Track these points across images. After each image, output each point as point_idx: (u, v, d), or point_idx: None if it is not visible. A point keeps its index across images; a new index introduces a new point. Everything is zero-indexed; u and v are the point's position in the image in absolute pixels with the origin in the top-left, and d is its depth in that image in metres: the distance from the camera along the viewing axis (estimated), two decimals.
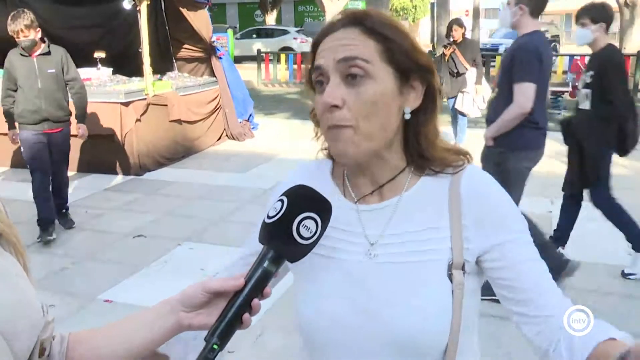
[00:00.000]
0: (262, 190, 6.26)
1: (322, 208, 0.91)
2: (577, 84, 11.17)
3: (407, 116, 1.01)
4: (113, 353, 0.94)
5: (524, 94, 3.38)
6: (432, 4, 15.14)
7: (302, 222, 0.88)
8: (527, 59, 3.40)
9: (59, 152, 5.06)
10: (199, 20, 8.17)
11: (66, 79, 5.01)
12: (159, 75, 8.18)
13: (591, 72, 3.95)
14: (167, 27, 8.42)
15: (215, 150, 8.35)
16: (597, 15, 3.87)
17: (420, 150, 1.04)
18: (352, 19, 1.01)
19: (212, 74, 8.77)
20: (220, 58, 8.65)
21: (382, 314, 1.00)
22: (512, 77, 3.46)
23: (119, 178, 6.98)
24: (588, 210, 5.62)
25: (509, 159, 3.58)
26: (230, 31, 13.11)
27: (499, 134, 3.57)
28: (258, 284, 0.88)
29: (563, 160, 7.46)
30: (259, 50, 16.74)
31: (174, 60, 9.02)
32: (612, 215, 4.23)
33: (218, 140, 8.71)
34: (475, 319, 1.07)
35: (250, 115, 9.50)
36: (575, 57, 12.82)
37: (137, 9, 7.03)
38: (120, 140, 6.93)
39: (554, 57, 12.44)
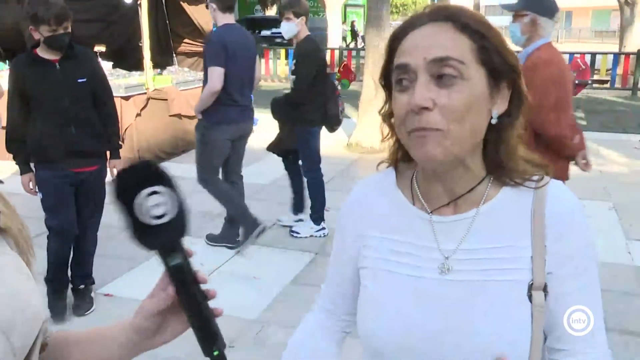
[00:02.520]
0: (260, 185, 6.26)
1: (164, 177, 0.78)
2: (576, 81, 11.19)
3: (494, 120, 0.95)
4: (96, 354, 0.94)
5: (212, 76, 4.06)
6: (433, 0, 15.10)
7: (148, 200, 0.76)
8: (213, 48, 4.10)
9: (90, 200, 3.57)
10: (200, 14, 8.17)
11: (98, 94, 3.48)
12: (159, 70, 8.18)
13: (294, 61, 4.61)
14: (167, 22, 8.40)
15: None
16: (299, 10, 4.46)
17: (500, 158, 0.97)
18: (444, 14, 0.93)
19: None
20: None
21: (455, 335, 0.95)
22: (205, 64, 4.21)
23: None
24: (586, 208, 5.65)
25: (210, 130, 4.25)
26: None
27: (202, 110, 4.23)
28: (183, 281, 0.80)
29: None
30: (258, 45, 16.68)
31: (174, 55, 9.01)
32: (312, 185, 4.83)
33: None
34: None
35: None
36: (575, 55, 12.82)
37: (138, 3, 7.03)
38: (120, 134, 6.93)
39: None
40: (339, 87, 8.37)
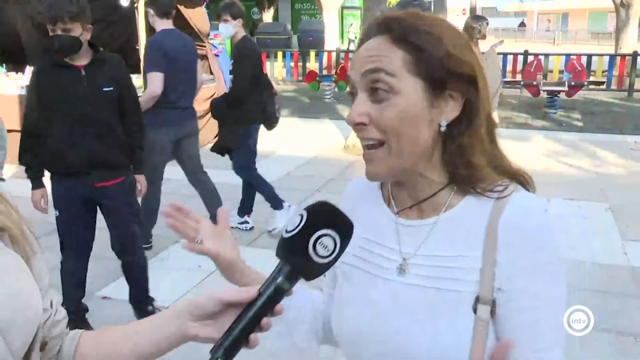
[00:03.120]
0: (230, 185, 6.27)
1: (342, 227, 0.86)
2: (573, 83, 11.23)
3: (443, 129, 0.94)
4: (117, 353, 0.95)
5: (153, 81, 4.24)
6: (430, 2, 15.13)
7: (320, 240, 0.84)
8: (152, 53, 4.29)
9: (119, 215, 3.32)
10: (196, 17, 8.16)
11: (125, 103, 3.23)
12: None
13: (232, 60, 4.83)
14: None
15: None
16: (236, 12, 4.70)
17: (456, 166, 0.96)
18: (383, 26, 0.95)
19: (209, 71, 8.76)
20: (217, 56, 8.65)
21: (400, 335, 0.97)
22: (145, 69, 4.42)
23: None
24: (583, 209, 5.67)
25: (150, 133, 4.17)
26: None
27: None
28: (270, 301, 0.84)
29: (560, 160, 7.55)
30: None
31: None
32: (252, 181, 5.10)
33: (215, 137, 8.68)
34: None
35: None
36: (571, 57, 12.86)
37: (135, 5, 7.03)
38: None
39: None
40: (336, 89, 8.36)
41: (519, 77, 13.03)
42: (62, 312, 0.96)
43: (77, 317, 3.28)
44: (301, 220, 0.85)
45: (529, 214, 0.95)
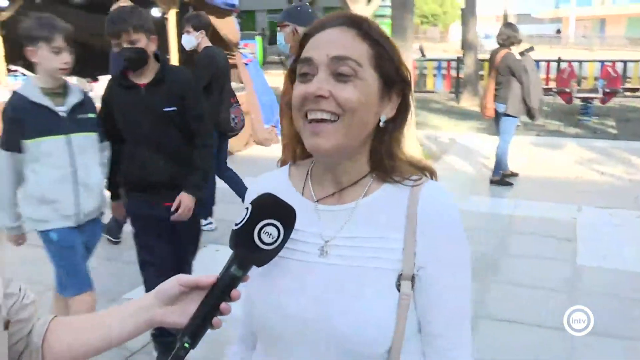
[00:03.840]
0: None
1: (284, 215, 0.96)
2: (607, 90, 11.02)
3: (382, 124, 1.06)
4: (87, 340, 1.02)
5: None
6: (463, 10, 15.01)
7: (264, 229, 0.94)
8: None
9: (188, 235, 3.27)
10: (226, 27, 8.29)
11: (189, 122, 3.00)
12: None
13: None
14: None
15: (241, 155, 8.42)
16: (197, 24, 4.90)
17: (381, 158, 1.08)
18: (349, 20, 1.04)
19: (239, 80, 8.88)
20: (247, 65, 8.76)
21: (327, 313, 1.01)
22: None
23: None
24: (615, 217, 5.56)
25: None
26: (258, 38, 13.23)
27: None
28: (226, 288, 0.93)
29: (592, 168, 7.42)
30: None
31: None
32: (225, 181, 5.27)
33: (245, 145, 8.80)
34: (416, 333, 1.07)
35: (277, 121, 9.59)
36: (606, 63, 12.62)
37: (165, 16, 7.18)
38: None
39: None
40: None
41: (552, 85, 12.84)
42: (31, 297, 1.03)
43: (161, 332, 3.12)
44: (246, 214, 0.95)
45: (441, 201, 1.07)
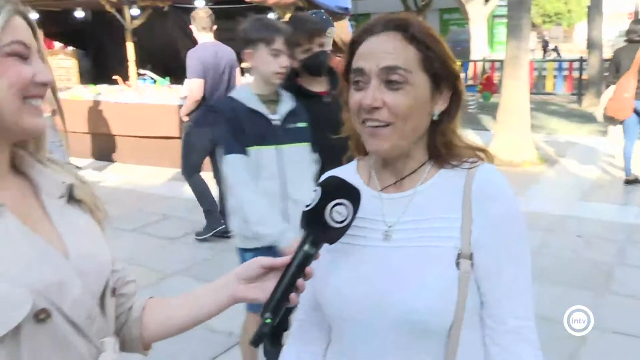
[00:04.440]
0: None
1: (352, 195, 1.04)
2: None
3: (435, 118, 1.13)
4: (179, 317, 1.15)
5: (191, 86, 4.94)
6: (589, 7, 14.17)
7: (334, 208, 1.02)
8: (190, 62, 4.92)
9: None
10: (339, 30, 8.42)
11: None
12: None
13: None
14: None
15: None
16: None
17: (440, 146, 1.15)
18: (394, 25, 1.09)
19: None
20: None
21: (392, 293, 1.07)
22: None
23: None
24: None
25: (192, 130, 5.08)
26: None
27: (187, 112, 5.08)
28: (300, 266, 1.02)
29: None
30: None
31: None
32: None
33: None
34: (478, 319, 1.12)
35: None
36: None
37: (281, 20, 7.45)
38: None
39: None
40: (481, 99, 8.09)
41: None
42: (131, 276, 1.17)
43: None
44: (316, 195, 1.02)
45: (493, 179, 1.13)
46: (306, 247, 1.02)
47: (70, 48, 11.18)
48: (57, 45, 11.52)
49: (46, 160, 1.08)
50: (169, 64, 9.27)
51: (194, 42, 5.27)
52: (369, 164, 1.23)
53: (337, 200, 1.02)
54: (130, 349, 1.17)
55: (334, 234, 1.03)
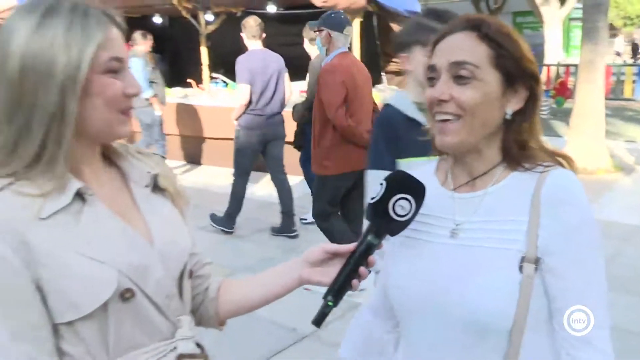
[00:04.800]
0: None
1: (416, 190, 1.08)
2: None
3: (508, 117, 1.13)
4: (250, 297, 1.25)
5: (240, 92, 5.23)
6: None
7: (398, 202, 1.06)
8: (239, 68, 5.18)
9: None
10: None
11: None
12: None
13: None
14: (377, 42, 8.83)
15: None
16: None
17: (512, 145, 1.14)
18: (470, 24, 1.13)
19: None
20: None
21: (454, 290, 1.10)
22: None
23: None
24: None
25: (240, 134, 5.35)
26: None
27: (237, 117, 5.32)
28: (363, 254, 1.08)
29: None
30: None
31: (383, 73, 9.39)
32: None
33: None
34: (544, 323, 1.11)
35: None
36: None
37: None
38: None
39: None
40: (554, 105, 7.83)
41: None
42: (208, 259, 1.29)
43: None
44: (382, 188, 1.07)
45: (566, 184, 1.11)
46: (370, 237, 1.08)
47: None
48: None
49: (135, 152, 1.18)
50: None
51: (265, 45, 5.44)
52: (447, 164, 1.25)
53: (401, 195, 1.07)
54: (206, 325, 1.28)
55: (395, 227, 1.08)
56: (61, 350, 0.99)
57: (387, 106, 2.31)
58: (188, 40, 10.38)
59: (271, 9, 8.56)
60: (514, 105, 1.13)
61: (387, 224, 1.08)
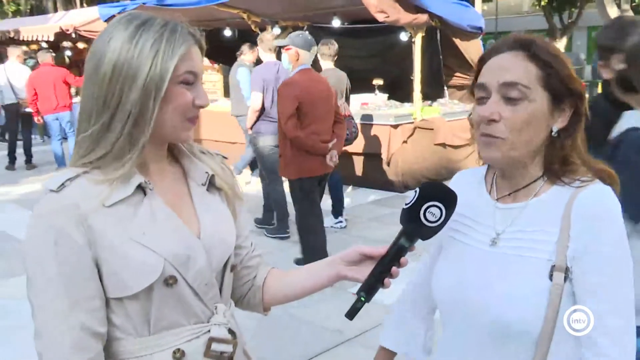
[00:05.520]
0: None
1: (447, 199, 1.15)
2: None
3: (554, 134, 1.18)
4: (292, 287, 1.37)
5: (253, 99, 5.63)
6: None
7: (429, 209, 1.13)
8: (254, 77, 5.70)
9: None
10: (472, 49, 8.42)
11: None
12: (429, 101, 8.65)
13: None
14: (440, 56, 8.87)
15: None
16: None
17: (555, 159, 1.19)
18: (519, 44, 1.16)
19: None
20: None
21: (484, 294, 1.17)
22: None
23: (383, 193, 7.61)
24: None
25: (257, 140, 5.74)
26: None
27: (251, 124, 5.76)
28: (395, 255, 1.16)
29: None
30: None
31: (445, 88, 9.41)
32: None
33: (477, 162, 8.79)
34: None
35: None
36: None
37: (412, 40, 7.62)
38: (386, 158, 7.56)
39: None
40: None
41: None
42: (258, 252, 1.41)
43: None
44: (415, 195, 1.15)
45: (599, 199, 1.14)
46: (402, 240, 1.15)
47: (215, 64, 12.13)
48: (206, 61, 12.51)
49: (199, 152, 1.30)
50: None
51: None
52: (493, 172, 1.30)
53: (432, 202, 1.13)
54: (253, 310, 1.42)
55: (426, 232, 1.15)
56: (110, 322, 1.12)
57: (636, 130, 1.86)
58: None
59: (336, 23, 8.77)
60: (559, 123, 1.17)
61: (418, 228, 1.14)
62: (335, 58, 6.00)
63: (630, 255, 1.14)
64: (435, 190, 1.16)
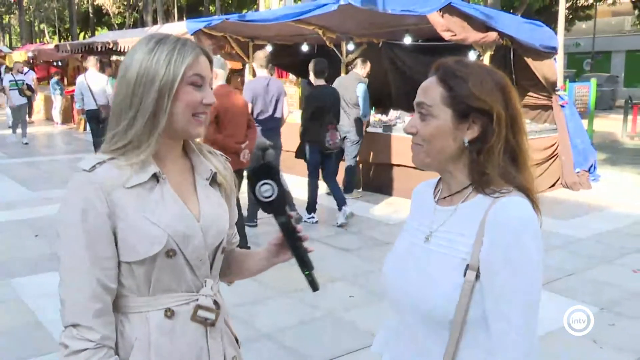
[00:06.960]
0: (574, 238, 6.16)
1: (272, 174, 1.37)
2: None
3: (465, 144, 1.32)
4: (244, 268, 1.63)
5: None
6: None
7: (261, 188, 1.37)
8: (245, 88, 6.29)
9: None
10: (545, 69, 8.29)
11: None
12: None
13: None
14: (513, 75, 8.81)
15: (545, 195, 8.25)
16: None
17: (475, 172, 1.33)
18: (435, 68, 1.37)
19: (554, 121, 8.78)
20: (563, 107, 8.61)
21: (414, 283, 1.35)
22: None
23: None
24: None
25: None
26: (593, 80, 12.52)
27: None
28: (286, 232, 1.42)
29: None
30: (627, 100, 15.59)
31: None
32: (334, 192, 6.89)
33: (551, 187, 8.63)
34: (483, 321, 1.28)
35: (592, 166, 9.14)
36: None
37: (481, 58, 7.62)
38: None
39: None
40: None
41: None
42: (237, 237, 1.65)
43: None
44: (249, 182, 1.39)
45: (509, 210, 1.27)
46: (278, 219, 1.41)
47: (293, 77, 12.54)
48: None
49: (206, 152, 1.52)
50: (377, 94, 9.92)
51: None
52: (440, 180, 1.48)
53: (262, 182, 1.37)
54: (222, 280, 1.62)
55: (270, 207, 1.39)
56: (119, 282, 1.33)
57: None
58: (330, 66, 11.01)
59: (407, 40, 8.93)
60: (469, 135, 1.31)
61: (265, 206, 1.39)
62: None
63: (541, 261, 1.26)
64: (261, 172, 1.38)
